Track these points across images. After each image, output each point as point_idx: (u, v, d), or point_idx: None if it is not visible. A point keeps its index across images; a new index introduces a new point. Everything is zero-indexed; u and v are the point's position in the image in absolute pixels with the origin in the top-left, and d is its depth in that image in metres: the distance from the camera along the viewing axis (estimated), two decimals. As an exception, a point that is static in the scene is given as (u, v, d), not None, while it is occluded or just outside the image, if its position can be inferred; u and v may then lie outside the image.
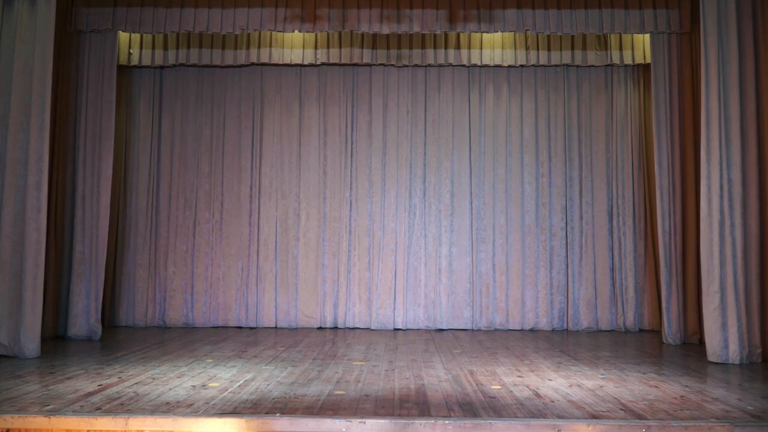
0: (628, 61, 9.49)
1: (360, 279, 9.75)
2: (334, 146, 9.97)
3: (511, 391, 5.22)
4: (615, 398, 5.00)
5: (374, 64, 9.80)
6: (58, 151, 8.41)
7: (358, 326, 9.66)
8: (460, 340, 8.48)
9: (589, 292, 9.60)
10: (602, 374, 6.02)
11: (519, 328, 9.56)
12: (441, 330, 9.48)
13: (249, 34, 9.40)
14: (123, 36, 9.39)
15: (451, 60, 9.52)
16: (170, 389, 5.21)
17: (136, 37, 9.46)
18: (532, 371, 6.16)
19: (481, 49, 9.51)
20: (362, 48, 9.48)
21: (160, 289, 9.75)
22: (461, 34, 9.41)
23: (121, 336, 8.64)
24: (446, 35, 9.45)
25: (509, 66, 9.73)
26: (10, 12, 7.23)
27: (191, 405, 4.66)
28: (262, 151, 9.96)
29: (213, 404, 4.69)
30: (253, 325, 9.69)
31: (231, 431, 4.24)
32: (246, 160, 9.96)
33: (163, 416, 4.32)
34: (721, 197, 6.98)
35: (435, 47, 9.51)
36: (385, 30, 8.40)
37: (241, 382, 5.53)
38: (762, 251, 7.00)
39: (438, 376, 5.86)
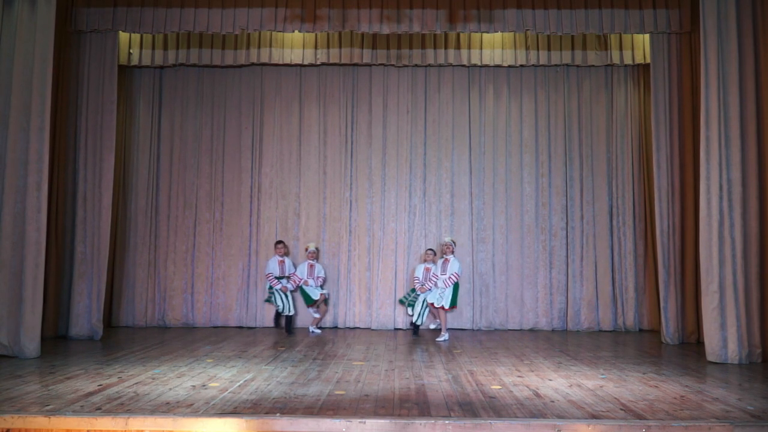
0: (628, 61, 9.49)
1: (360, 279, 9.75)
2: (334, 146, 9.97)
3: (511, 391, 5.22)
4: (615, 398, 5.00)
5: (374, 64, 9.80)
6: (58, 151, 8.42)
7: (358, 326, 9.66)
8: (460, 340, 8.48)
9: (589, 292, 9.59)
10: (602, 374, 6.02)
11: (519, 328, 9.56)
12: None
13: (249, 34, 9.40)
14: (123, 36, 9.39)
15: (451, 60, 9.52)
16: (170, 389, 5.21)
17: (136, 37, 9.47)
18: (532, 371, 6.16)
19: (481, 49, 9.51)
20: (362, 48, 9.48)
21: (160, 289, 9.75)
22: (461, 34, 9.42)
23: (121, 336, 8.64)
24: (446, 35, 9.45)
25: (509, 66, 9.73)
26: (10, 12, 7.23)
27: (191, 405, 4.66)
28: (262, 151, 9.96)
29: (213, 404, 4.69)
30: (253, 325, 9.70)
31: (231, 431, 4.24)
32: (246, 160, 9.96)
33: (163, 416, 4.33)
34: (721, 197, 6.98)
35: (435, 47, 9.51)
36: (385, 30, 8.40)
37: (241, 382, 5.53)
38: (762, 251, 7.00)
39: (438, 376, 5.86)
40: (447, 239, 8.85)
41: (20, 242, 6.99)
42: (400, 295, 9.60)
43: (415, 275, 8.90)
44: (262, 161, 9.95)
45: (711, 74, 7.13)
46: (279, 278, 9.03)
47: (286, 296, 9.01)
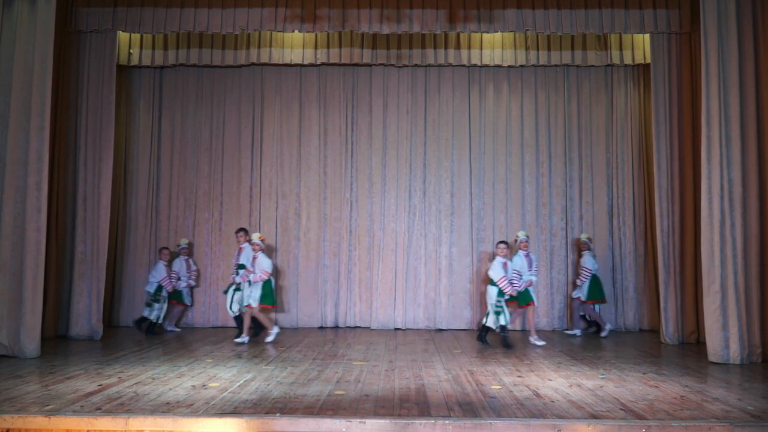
0: (628, 61, 9.48)
1: (360, 279, 9.75)
2: (334, 146, 9.97)
3: (511, 391, 5.22)
4: (615, 398, 5.00)
5: (374, 64, 9.80)
6: (58, 151, 8.42)
7: (358, 326, 9.67)
8: (460, 340, 8.47)
9: (589, 292, 9.58)
10: (602, 374, 6.02)
11: (519, 329, 9.55)
12: (441, 330, 9.47)
13: (249, 34, 9.40)
14: (123, 36, 9.40)
15: (451, 60, 9.51)
16: (170, 389, 5.20)
17: (136, 37, 9.47)
18: (532, 371, 6.16)
19: (481, 49, 9.50)
20: (362, 48, 9.47)
21: (160, 289, 9.74)
22: (461, 34, 9.41)
23: (121, 336, 8.64)
24: (446, 35, 9.45)
25: (509, 66, 9.73)
26: (10, 12, 7.23)
27: (191, 405, 4.66)
28: (262, 151, 9.96)
29: (213, 404, 4.69)
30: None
31: (231, 431, 4.24)
32: (246, 160, 9.96)
33: (163, 416, 4.32)
34: (722, 197, 6.98)
35: (435, 47, 9.51)
36: (385, 30, 8.40)
37: (241, 382, 5.53)
38: (762, 251, 7.00)
39: (438, 376, 5.86)
40: (522, 236, 8.31)
41: (20, 242, 6.99)
42: (400, 294, 9.60)
43: (499, 275, 7.83)
44: (262, 161, 9.95)
45: (711, 74, 7.12)
46: (238, 267, 8.47)
47: (234, 293, 8.40)
